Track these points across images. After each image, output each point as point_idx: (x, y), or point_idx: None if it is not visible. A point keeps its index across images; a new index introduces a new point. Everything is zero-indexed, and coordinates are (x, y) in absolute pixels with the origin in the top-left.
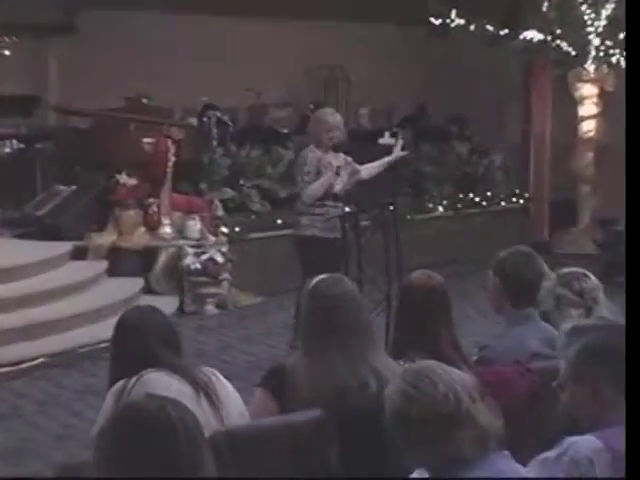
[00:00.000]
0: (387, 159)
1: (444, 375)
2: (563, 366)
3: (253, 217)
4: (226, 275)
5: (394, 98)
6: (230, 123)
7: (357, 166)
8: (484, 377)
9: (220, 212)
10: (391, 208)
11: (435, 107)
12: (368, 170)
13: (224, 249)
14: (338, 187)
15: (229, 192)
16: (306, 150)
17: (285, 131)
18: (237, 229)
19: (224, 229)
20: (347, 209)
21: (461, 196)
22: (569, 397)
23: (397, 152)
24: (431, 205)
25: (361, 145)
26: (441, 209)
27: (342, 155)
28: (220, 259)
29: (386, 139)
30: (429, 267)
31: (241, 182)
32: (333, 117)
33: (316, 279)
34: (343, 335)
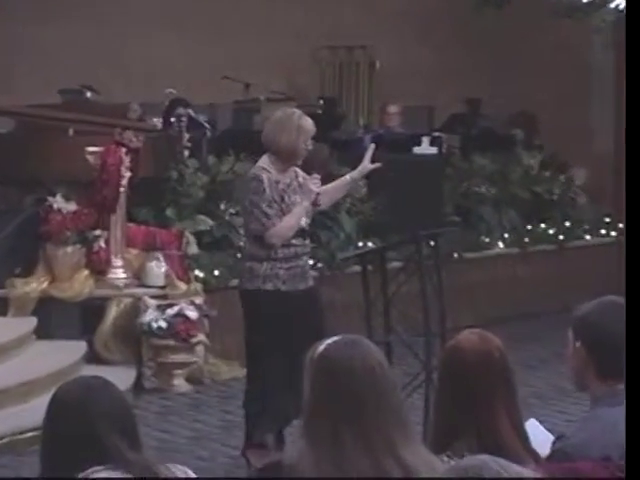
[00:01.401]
0: (352, 175)
1: (504, 474)
2: None
3: (239, 256)
4: (201, 337)
5: (435, 91)
6: (207, 125)
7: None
8: (560, 477)
9: (194, 249)
10: (432, 243)
11: (492, 103)
12: (327, 195)
13: (199, 301)
14: (305, 220)
15: (206, 221)
16: (257, 170)
17: None
18: (217, 273)
19: (199, 273)
20: (370, 245)
21: (529, 227)
22: None
23: (366, 164)
24: (487, 239)
25: (390, 156)
26: (501, 245)
27: (317, 175)
28: (193, 315)
29: (424, 147)
30: (484, 326)
31: (222, 207)
32: (309, 122)
33: (326, 342)
34: (362, 418)
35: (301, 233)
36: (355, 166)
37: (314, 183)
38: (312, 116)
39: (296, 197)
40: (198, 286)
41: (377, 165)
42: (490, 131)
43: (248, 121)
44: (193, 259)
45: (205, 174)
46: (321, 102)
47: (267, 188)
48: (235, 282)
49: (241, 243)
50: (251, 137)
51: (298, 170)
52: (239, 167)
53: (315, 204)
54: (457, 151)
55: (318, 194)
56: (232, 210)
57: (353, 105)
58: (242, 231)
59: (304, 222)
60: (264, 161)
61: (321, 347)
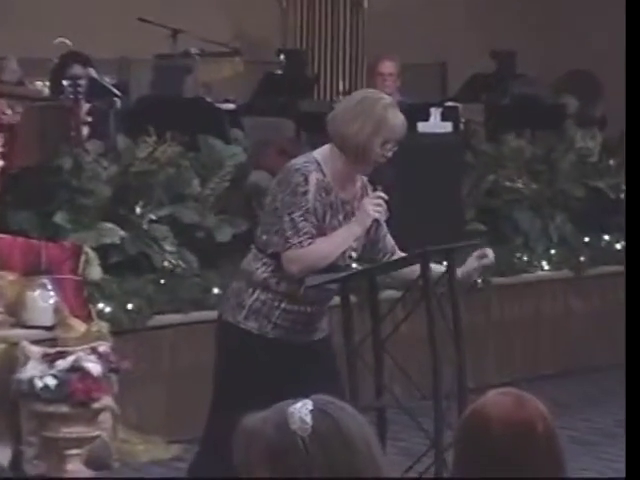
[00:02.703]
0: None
1: None
2: None
3: (163, 282)
4: (107, 401)
5: (450, 42)
6: (117, 91)
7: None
8: None
9: (96, 272)
10: (444, 264)
11: (532, 59)
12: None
13: (104, 348)
14: (349, 255)
15: (114, 232)
16: (307, 162)
17: (230, 107)
18: (130, 306)
19: (104, 307)
20: (354, 265)
21: (586, 240)
22: None
23: (474, 264)
24: (526, 258)
25: None
26: (546, 266)
27: (381, 193)
28: (95, 368)
29: (434, 123)
30: (520, 384)
31: (138, 211)
32: (399, 119)
33: (287, 405)
34: None
35: (332, 270)
36: None
37: (374, 204)
38: (270, 78)
39: (349, 221)
40: (103, 326)
41: (489, 262)
42: (529, 99)
43: (176, 84)
44: (96, 287)
45: (113, 162)
46: (282, 57)
47: (311, 192)
48: (156, 320)
49: (165, 263)
50: (181, 108)
51: (367, 183)
52: (163, 152)
53: (371, 238)
54: (481, 128)
55: (377, 221)
56: (152, 215)
57: (329, 62)
58: (168, 246)
59: (348, 256)
60: (322, 152)
61: (280, 410)
